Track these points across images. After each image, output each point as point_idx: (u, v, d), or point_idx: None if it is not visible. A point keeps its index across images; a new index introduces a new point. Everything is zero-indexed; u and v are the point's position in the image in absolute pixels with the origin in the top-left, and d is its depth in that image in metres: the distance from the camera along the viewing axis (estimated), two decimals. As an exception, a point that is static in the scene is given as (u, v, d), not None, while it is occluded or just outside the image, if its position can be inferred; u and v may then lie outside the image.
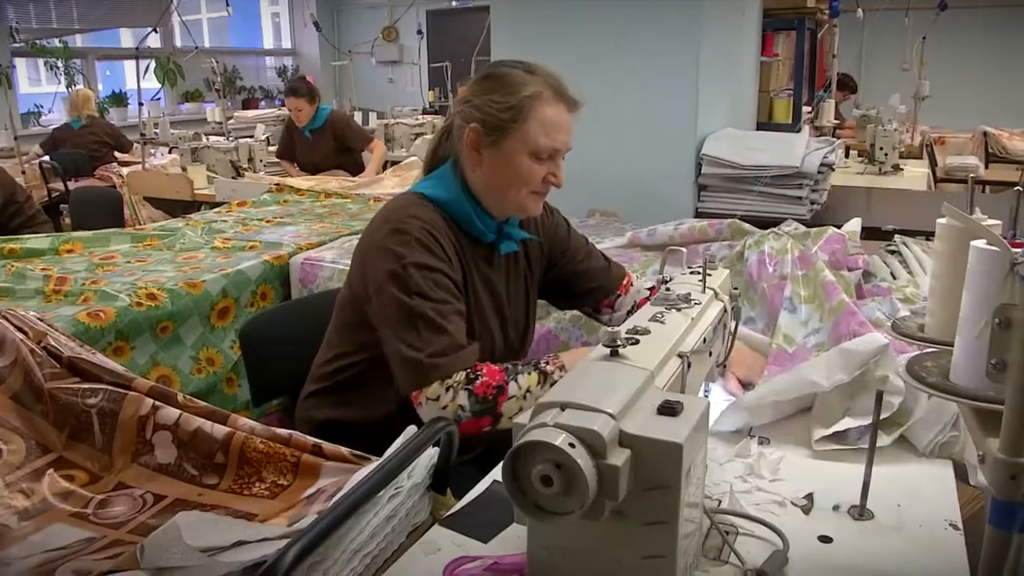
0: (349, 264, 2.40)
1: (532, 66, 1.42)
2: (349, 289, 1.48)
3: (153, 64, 7.57)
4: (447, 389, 1.27)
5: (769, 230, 2.03)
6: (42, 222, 3.55)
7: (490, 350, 1.47)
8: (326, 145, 4.72)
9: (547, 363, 1.31)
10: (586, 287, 1.66)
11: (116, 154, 5.88)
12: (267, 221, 3.16)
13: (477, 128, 1.39)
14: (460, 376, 1.27)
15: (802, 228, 2.06)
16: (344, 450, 1.17)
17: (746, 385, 1.46)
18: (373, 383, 1.45)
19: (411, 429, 1.10)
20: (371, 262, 1.38)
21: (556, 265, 1.64)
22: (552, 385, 1.24)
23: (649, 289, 1.70)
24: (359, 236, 2.78)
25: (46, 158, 5.64)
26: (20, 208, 3.46)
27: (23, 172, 5.19)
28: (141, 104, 5.16)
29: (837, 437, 1.29)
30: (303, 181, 4.12)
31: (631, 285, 1.69)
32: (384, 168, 4.77)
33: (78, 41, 8.05)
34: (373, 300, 1.37)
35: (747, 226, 2.10)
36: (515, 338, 1.56)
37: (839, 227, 2.14)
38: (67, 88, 7.55)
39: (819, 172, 2.75)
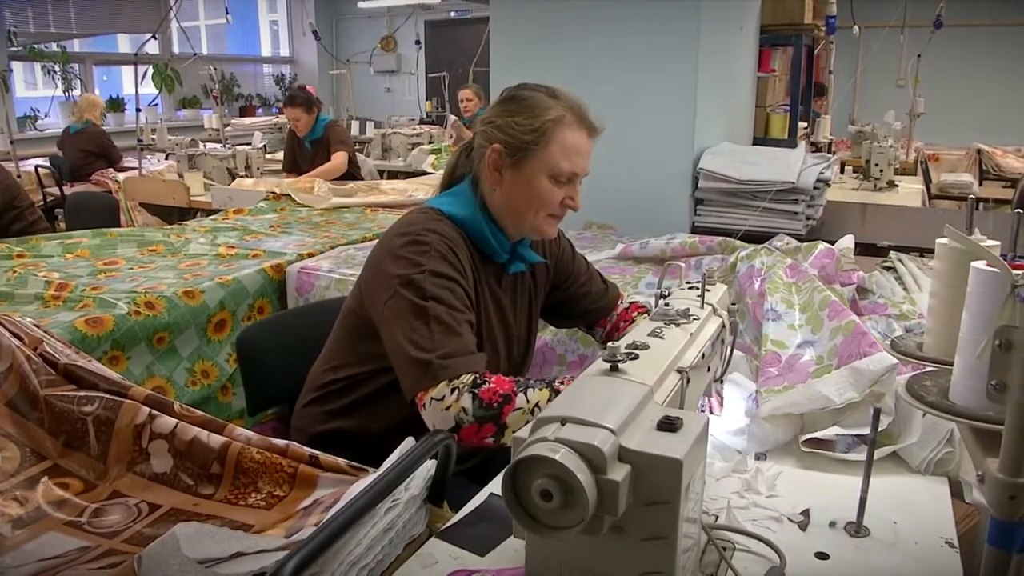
0: (346, 273, 2.42)
1: (555, 91, 1.44)
2: (357, 297, 1.47)
3: (151, 70, 7.58)
4: (452, 390, 1.24)
5: (762, 245, 2.04)
6: (42, 229, 3.53)
7: (494, 367, 1.48)
8: (324, 155, 4.73)
9: (561, 383, 1.28)
10: (586, 308, 1.68)
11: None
12: (271, 227, 3.17)
13: (499, 149, 1.40)
14: (467, 378, 1.25)
15: (794, 243, 2.08)
16: (341, 461, 1.16)
17: None
18: (372, 396, 1.45)
19: (409, 441, 1.10)
20: (385, 269, 1.37)
21: (560, 287, 1.65)
22: None
23: (632, 303, 1.73)
24: (356, 245, 2.81)
25: (44, 162, 5.63)
26: (21, 213, 3.44)
27: (19, 176, 5.18)
28: (139, 110, 5.16)
29: (825, 445, 1.31)
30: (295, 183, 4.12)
31: (628, 316, 1.69)
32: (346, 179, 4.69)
33: (76, 46, 8.04)
34: (384, 305, 1.35)
35: (738, 243, 2.11)
36: (517, 356, 1.57)
37: (833, 243, 2.16)
38: (64, 93, 7.54)
39: (815, 188, 2.76)
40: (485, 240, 1.45)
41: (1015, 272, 0.69)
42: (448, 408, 1.23)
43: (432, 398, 1.24)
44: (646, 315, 1.66)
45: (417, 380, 1.27)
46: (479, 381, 1.25)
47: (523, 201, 1.42)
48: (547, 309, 1.66)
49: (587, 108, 1.45)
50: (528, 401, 1.23)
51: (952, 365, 0.85)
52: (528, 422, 1.23)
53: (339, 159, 4.67)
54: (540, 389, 1.24)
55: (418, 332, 1.28)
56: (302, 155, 4.84)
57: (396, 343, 1.31)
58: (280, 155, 5.35)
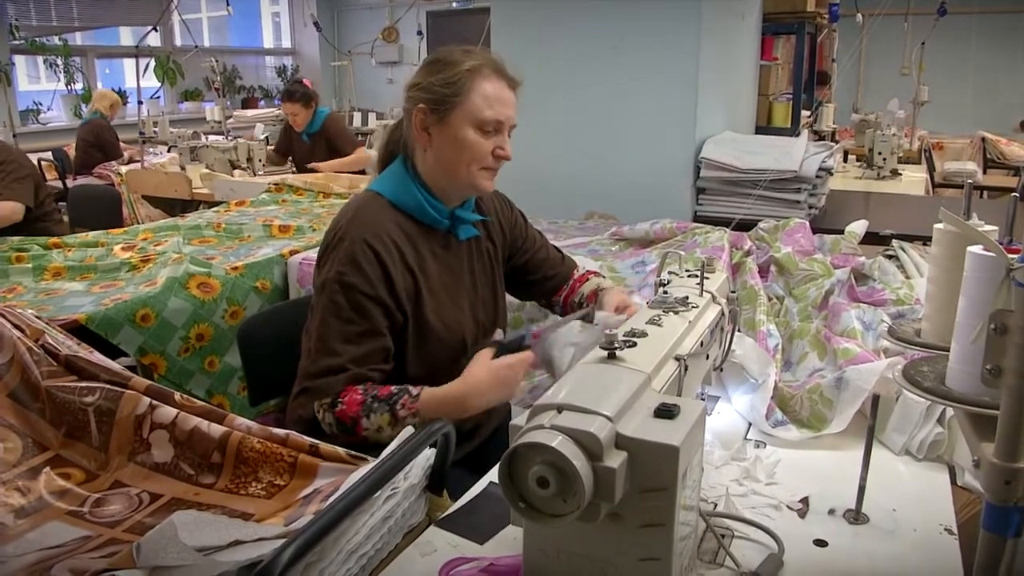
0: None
1: (471, 48, 1.48)
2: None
3: (153, 63, 7.57)
4: (319, 408, 1.38)
5: (752, 230, 2.13)
6: (57, 220, 3.53)
7: (459, 330, 1.51)
8: (322, 148, 4.73)
9: (402, 406, 1.34)
10: (544, 275, 1.72)
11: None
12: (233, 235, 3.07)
13: (424, 108, 1.43)
14: (327, 400, 1.37)
15: (773, 222, 2.13)
16: (341, 450, 1.17)
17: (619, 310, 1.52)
18: None
19: (408, 430, 1.10)
20: (317, 266, 1.48)
21: (516, 253, 1.70)
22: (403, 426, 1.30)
23: (587, 270, 1.78)
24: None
25: (48, 155, 5.64)
26: (41, 202, 3.44)
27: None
28: (140, 103, 5.16)
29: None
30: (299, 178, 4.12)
31: (583, 278, 1.74)
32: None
33: (78, 39, 8.03)
34: (310, 305, 1.49)
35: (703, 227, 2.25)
36: (485, 319, 1.59)
37: (841, 231, 2.18)
38: (66, 86, 7.54)
39: (817, 176, 2.75)
40: (422, 210, 1.48)
41: (1010, 256, 0.69)
42: (323, 422, 1.38)
43: (315, 412, 1.39)
44: (602, 277, 1.73)
45: (299, 391, 1.41)
46: (335, 401, 1.37)
47: (454, 156, 1.44)
48: (507, 278, 1.70)
49: (503, 61, 1.48)
50: (371, 424, 1.35)
51: (949, 351, 0.85)
52: (380, 440, 1.30)
53: (359, 153, 4.71)
54: (382, 413, 1.34)
55: (312, 344, 1.41)
56: (299, 148, 4.83)
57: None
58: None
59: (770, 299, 1.81)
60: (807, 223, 2.14)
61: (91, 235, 2.85)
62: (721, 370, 1.35)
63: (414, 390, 1.36)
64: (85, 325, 2.03)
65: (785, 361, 1.58)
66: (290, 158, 5.00)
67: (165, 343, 2.19)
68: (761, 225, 2.14)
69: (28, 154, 5.69)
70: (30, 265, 2.50)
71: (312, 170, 4.62)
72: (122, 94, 7.93)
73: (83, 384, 1.28)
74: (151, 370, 2.17)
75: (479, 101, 1.41)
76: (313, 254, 2.56)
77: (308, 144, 4.77)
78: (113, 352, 2.04)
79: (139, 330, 2.14)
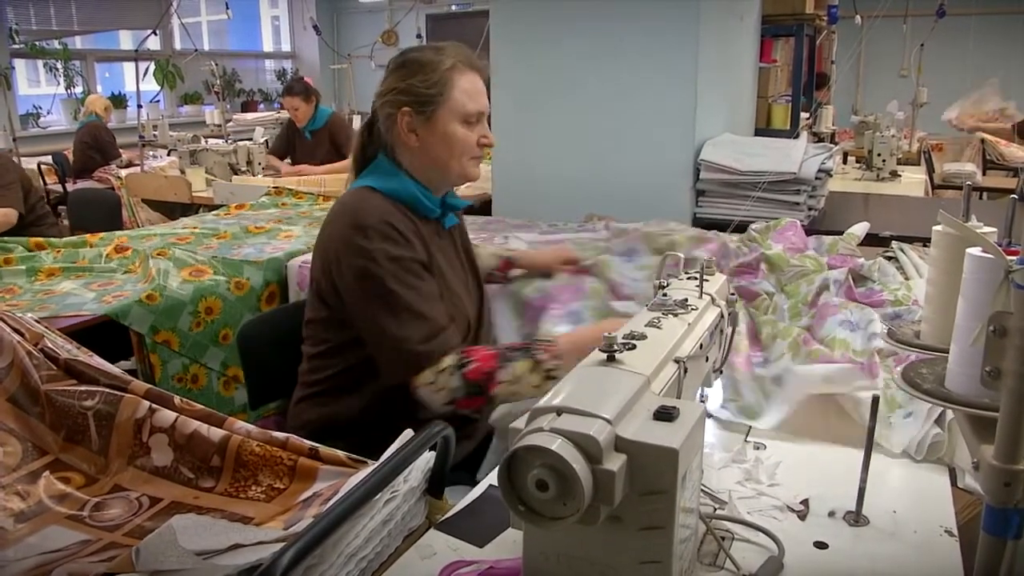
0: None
1: (439, 45, 1.53)
2: (312, 289, 1.55)
3: (152, 66, 7.58)
4: (439, 373, 1.35)
5: (745, 232, 2.13)
6: (50, 224, 3.53)
7: (465, 314, 1.53)
8: (325, 146, 4.75)
9: (541, 350, 1.35)
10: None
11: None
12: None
13: (408, 111, 1.47)
14: (450, 360, 1.36)
15: (764, 223, 2.13)
16: (341, 454, 1.17)
17: None
18: (344, 379, 1.52)
19: (407, 433, 1.10)
20: (335, 259, 1.45)
21: None
22: (545, 373, 1.32)
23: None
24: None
25: (48, 159, 5.65)
26: (32, 207, 3.44)
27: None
28: (140, 106, 5.16)
29: None
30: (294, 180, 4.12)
31: None
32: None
33: (77, 43, 8.04)
34: (347, 299, 1.44)
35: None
36: (477, 298, 1.63)
37: (841, 232, 2.18)
38: (66, 90, 7.55)
39: (816, 178, 2.75)
40: (419, 202, 1.51)
41: (1009, 258, 0.69)
42: (440, 390, 1.35)
43: (422, 383, 1.35)
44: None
45: (402, 370, 1.37)
46: (463, 361, 1.34)
47: (445, 152, 1.49)
48: None
49: (472, 52, 1.54)
50: (508, 374, 1.34)
51: (948, 352, 0.85)
52: (514, 393, 1.32)
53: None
54: (520, 360, 1.34)
55: (388, 323, 1.37)
56: (301, 145, 4.85)
57: (372, 334, 1.42)
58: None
59: (759, 295, 1.81)
60: (798, 222, 2.15)
61: (74, 238, 2.85)
62: (720, 372, 1.35)
63: (546, 338, 1.38)
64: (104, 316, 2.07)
65: (763, 359, 1.57)
66: (288, 160, 4.99)
67: (175, 319, 2.22)
68: (752, 227, 2.14)
69: (28, 158, 5.75)
70: (23, 267, 2.49)
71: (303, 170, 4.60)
72: (122, 98, 7.96)
73: (83, 388, 1.27)
74: (166, 346, 2.19)
75: (462, 97, 1.47)
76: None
77: (310, 141, 4.79)
78: (113, 356, 2.04)
79: (148, 308, 2.17)
